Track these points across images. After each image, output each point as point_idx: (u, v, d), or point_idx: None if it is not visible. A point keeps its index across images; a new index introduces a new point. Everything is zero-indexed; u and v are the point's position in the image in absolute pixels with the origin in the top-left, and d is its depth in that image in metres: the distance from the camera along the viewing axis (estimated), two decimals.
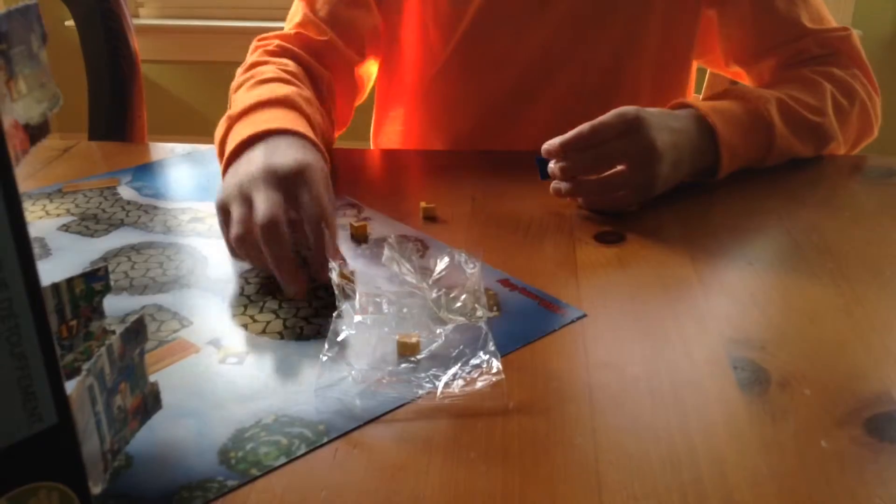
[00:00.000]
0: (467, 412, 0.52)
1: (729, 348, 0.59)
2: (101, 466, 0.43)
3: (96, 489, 0.42)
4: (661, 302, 0.64)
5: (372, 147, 1.12)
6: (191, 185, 0.87)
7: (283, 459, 0.48)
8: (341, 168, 0.90)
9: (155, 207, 0.81)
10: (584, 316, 0.62)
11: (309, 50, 0.93)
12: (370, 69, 1.03)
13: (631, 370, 0.56)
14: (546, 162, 0.80)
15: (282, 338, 0.60)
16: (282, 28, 0.97)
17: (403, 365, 0.56)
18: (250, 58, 0.93)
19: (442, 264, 0.62)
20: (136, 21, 2.19)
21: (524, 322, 0.61)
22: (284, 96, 0.78)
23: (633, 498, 0.45)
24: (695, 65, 1.04)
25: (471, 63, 0.99)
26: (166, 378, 0.55)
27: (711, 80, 1.18)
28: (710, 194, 0.83)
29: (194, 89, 2.89)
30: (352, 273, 0.62)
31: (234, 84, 0.88)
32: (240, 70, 0.91)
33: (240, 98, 0.82)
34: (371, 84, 1.05)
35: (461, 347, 0.57)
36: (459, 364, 0.55)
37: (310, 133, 0.73)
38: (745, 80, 1.02)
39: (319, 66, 0.92)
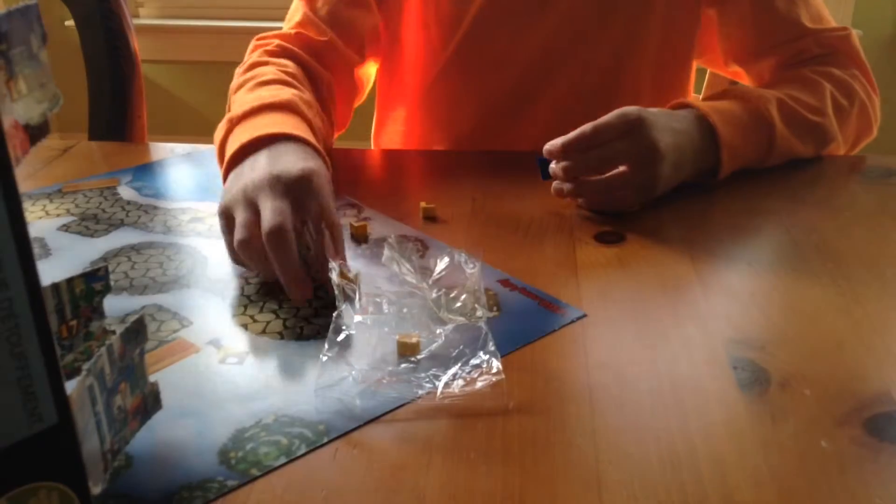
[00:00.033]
0: (467, 412, 0.52)
1: (729, 348, 0.59)
2: (101, 466, 0.43)
3: (96, 489, 0.42)
4: (661, 302, 0.64)
5: (373, 148, 1.12)
6: (191, 185, 0.87)
7: (283, 459, 0.48)
8: (341, 168, 0.90)
9: (155, 207, 0.81)
10: (584, 316, 0.62)
11: (309, 50, 0.93)
12: (369, 70, 1.03)
13: (631, 370, 0.56)
14: (547, 162, 0.80)
15: (282, 338, 0.60)
16: (281, 28, 0.97)
17: (403, 365, 0.56)
18: (250, 57, 0.92)
19: (442, 264, 0.62)
20: (136, 21, 2.19)
21: (524, 322, 0.61)
22: (286, 100, 0.78)
23: (633, 498, 0.45)
24: (694, 65, 1.04)
25: (472, 63, 0.99)
26: (166, 378, 0.55)
27: (711, 80, 1.18)
28: (710, 194, 0.83)
29: (194, 89, 2.89)
30: (356, 276, 0.62)
31: (233, 84, 0.88)
32: (239, 70, 0.91)
33: (240, 99, 0.82)
34: (370, 86, 1.04)
35: (461, 347, 0.57)
36: (459, 364, 0.55)
37: (312, 139, 0.73)
38: (745, 80, 1.02)
39: (319, 67, 0.92)
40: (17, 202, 0.33)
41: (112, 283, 0.50)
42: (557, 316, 0.62)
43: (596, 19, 0.96)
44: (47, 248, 0.73)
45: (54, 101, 0.40)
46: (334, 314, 0.58)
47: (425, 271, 0.62)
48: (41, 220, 0.78)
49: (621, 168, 0.77)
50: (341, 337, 0.57)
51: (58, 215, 0.79)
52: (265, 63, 0.89)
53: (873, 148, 0.98)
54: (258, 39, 0.96)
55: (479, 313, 0.58)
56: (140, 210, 0.81)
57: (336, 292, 0.58)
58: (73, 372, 0.45)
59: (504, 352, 0.57)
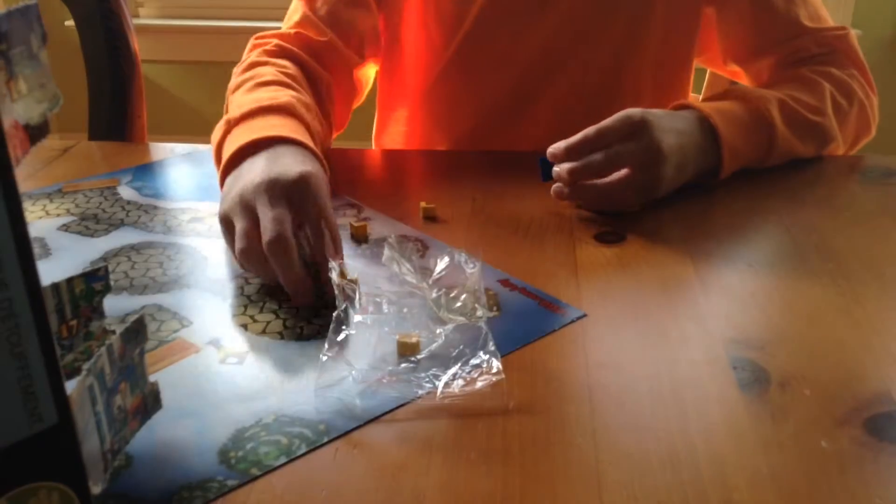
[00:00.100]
0: (467, 412, 0.52)
1: (729, 348, 0.59)
2: (101, 466, 0.43)
3: (96, 489, 0.42)
4: (661, 302, 0.64)
5: (374, 148, 1.12)
6: (191, 185, 0.87)
7: (283, 459, 0.48)
8: (341, 168, 0.90)
9: (155, 207, 0.81)
10: (584, 316, 0.62)
11: (308, 50, 0.93)
12: (368, 72, 1.03)
13: (631, 370, 0.56)
14: (547, 163, 0.80)
15: (282, 338, 0.60)
16: (280, 27, 0.97)
17: (403, 365, 0.56)
18: (248, 57, 0.92)
19: (442, 264, 0.62)
20: (136, 21, 2.19)
21: (524, 322, 0.61)
22: (284, 103, 0.78)
23: (633, 498, 0.45)
24: (694, 64, 1.04)
25: (472, 63, 0.99)
26: (166, 378, 0.55)
27: (711, 80, 1.18)
28: (710, 194, 0.83)
29: (194, 89, 2.89)
30: (355, 280, 0.63)
31: (231, 84, 0.88)
32: (237, 69, 0.90)
33: (237, 101, 0.81)
34: (369, 87, 1.04)
35: (461, 347, 0.57)
36: (459, 364, 0.55)
37: (309, 142, 0.73)
38: (743, 80, 1.02)
39: (319, 67, 0.92)
40: (17, 202, 0.33)
41: (112, 282, 0.50)
42: (557, 316, 0.62)
43: (596, 19, 0.96)
44: (47, 247, 0.73)
45: (54, 101, 0.40)
46: (334, 314, 0.58)
47: (425, 271, 0.62)
48: (41, 220, 0.78)
49: (624, 170, 0.77)
50: (341, 337, 0.57)
51: (58, 215, 0.79)
52: (264, 63, 0.88)
53: (873, 148, 0.98)
54: (257, 39, 0.95)
55: (479, 313, 0.58)
56: (140, 210, 0.81)
57: (336, 292, 0.58)
58: (74, 372, 0.45)
59: (504, 352, 0.57)
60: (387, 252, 0.62)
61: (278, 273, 0.63)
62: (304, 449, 0.49)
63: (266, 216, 0.63)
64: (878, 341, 0.60)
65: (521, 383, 0.55)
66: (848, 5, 2.55)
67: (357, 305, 0.58)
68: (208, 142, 0.83)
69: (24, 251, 0.34)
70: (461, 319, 0.58)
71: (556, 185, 0.79)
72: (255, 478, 0.47)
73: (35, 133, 0.39)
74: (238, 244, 0.64)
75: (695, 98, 1.04)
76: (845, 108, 0.91)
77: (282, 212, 0.63)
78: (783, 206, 0.81)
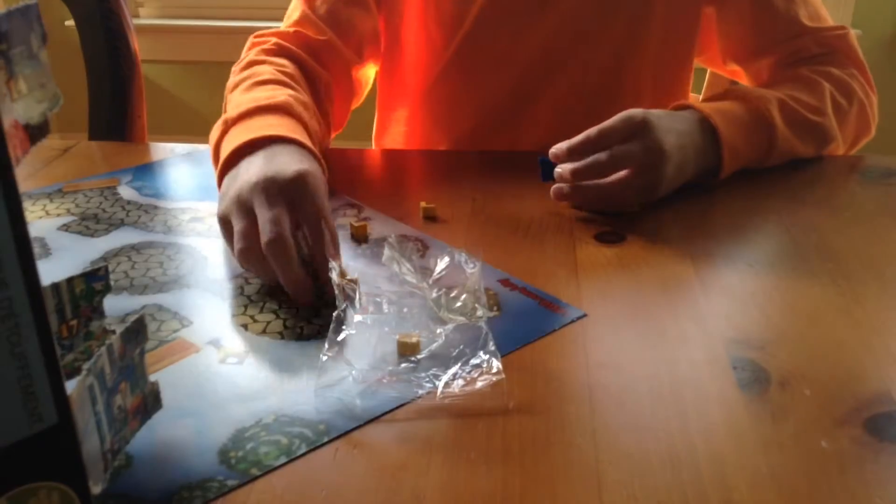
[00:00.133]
0: (467, 412, 0.52)
1: (729, 348, 0.59)
2: (101, 466, 0.43)
3: (96, 489, 0.42)
4: (661, 302, 0.64)
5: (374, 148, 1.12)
6: (191, 184, 0.87)
7: (283, 459, 0.48)
8: (341, 168, 0.90)
9: (155, 207, 0.81)
10: (585, 316, 0.62)
11: (307, 49, 0.93)
12: (368, 73, 1.03)
13: (631, 370, 0.56)
14: (547, 163, 0.80)
15: (282, 338, 0.60)
16: (280, 27, 0.97)
17: (403, 365, 0.56)
18: (247, 55, 0.92)
19: (442, 264, 0.62)
20: (136, 21, 2.19)
21: (524, 322, 0.61)
22: (282, 102, 0.77)
23: (633, 498, 0.45)
24: (694, 64, 1.04)
25: (472, 63, 0.99)
26: (166, 378, 0.55)
27: (711, 80, 1.18)
28: (710, 194, 0.83)
29: (194, 89, 2.89)
30: (355, 280, 0.63)
31: (229, 83, 0.87)
32: (236, 68, 0.90)
33: (235, 100, 0.81)
34: (368, 88, 1.04)
35: (461, 347, 0.57)
36: (459, 364, 0.55)
37: (307, 142, 0.73)
38: (743, 79, 1.02)
39: (318, 67, 0.92)
40: (18, 202, 0.33)
41: (112, 282, 0.50)
42: (557, 316, 0.62)
43: (596, 19, 0.96)
44: (47, 247, 0.73)
45: (54, 100, 0.40)
46: (334, 314, 0.58)
47: (425, 271, 0.62)
48: (41, 220, 0.78)
49: (625, 170, 0.77)
50: (341, 337, 0.57)
51: (58, 215, 0.79)
52: (262, 62, 0.88)
53: (873, 148, 0.98)
54: (256, 37, 0.95)
55: (479, 313, 0.58)
56: (140, 210, 0.81)
57: (336, 292, 0.58)
58: (74, 371, 0.45)
59: (504, 351, 0.57)
60: (387, 252, 0.62)
61: (278, 273, 0.63)
62: (304, 449, 0.49)
63: (264, 216, 0.63)
64: (878, 341, 0.60)
65: (521, 383, 0.55)
66: (848, 5, 2.55)
67: (357, 305, 0.58)
68: (208, 142, 0.82)
69: (24, 251, 0.34)
70: (461, 319, 0.58)
71: (555, 186, 0.79)
72: (255, 478, 0.47)
73: (35, 133, 0.39)
74: (237, 245, 0.64)
75: (695, 98, 1.04)
76: (845, 108, 0.91)
77: (279, 212, 0.63)
78: (783, 206, 0.81)
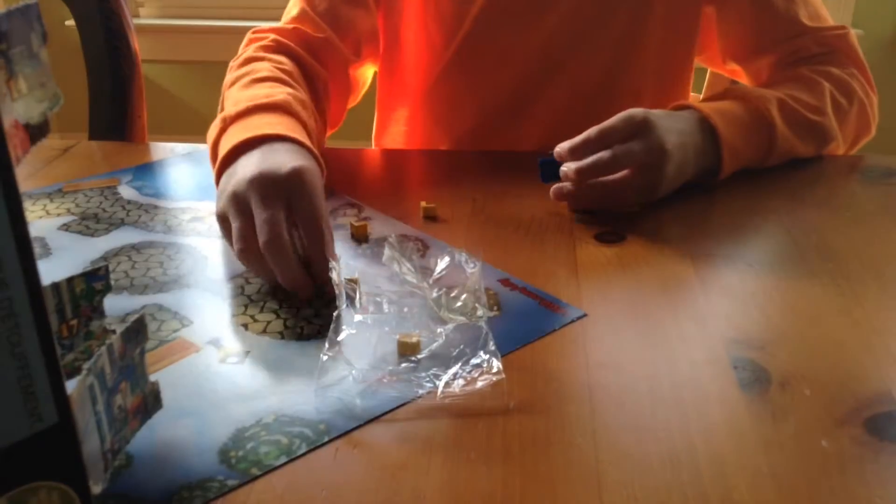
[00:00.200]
0: (468, 412, 0.52)
1: (729, 348, 0.59)
2: (101, 466, 0.43)
3: (97, 489, 0.42)
4: (661, 302, 0.64)
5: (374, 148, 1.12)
6: (191, 184, 0.87)
7: (283, 459, 0.48)
8: (342, 168, 0.90)
9: (155, 207, 0.81)
10: (585, 316, 0.62)
11: (305, 46, 0.92)
12: (366, 72, 1.03)
13: (631, 370, 0.56)
14: (548, 164, 0.80)
15: (282, 337, 0.60)
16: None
17: (404, 364, 0.56)
18: (244, 52, 0.92)
19: (442, 264, 0.62)
20: (136, 21, 2.19)
21: (524, 322, 0.61)
22: (281, 101, 0.77)
23: (633, 498, 0.45)
24: (693, 64, 1.04)
25: (473, 63, 0.99)
26: (167, 377, 0.55)
27: (711, 80, 1.18)
28: (710, 194, 0.83)
29: (194, 89, 2.89)
30: (355, 280, 0.63)
31: (227, 79, 0.87)
32: (233, 64, 0.90)
33: (234, 96, 0.81)
34: (365, 88, 1.04)
35: (461, 347, 0.57)
36: (460, 364, 0.55)
37: (306, 140, 0.73)
38: (743, 79, 1.02)
39: (315, 64, 0.92)
40: (18, 202, 0.33)
41: (112, 282, 0.50)
42: (558, 315, 0.62)
43: (596, 19, 0.96)
44: (48, 247, 0.73)
45: (54, 100, 0.40)
46: (334, 314, 0.58)
47: (426, 271, 0.62)
48: (41, 220, 0.78)
49: (626, 170, 0.77)
50: (342, 336, 0.57)
51: (58, 215, 0.79)
52: (260, 59, 0.88)
53: (873, 148, 0.98)
54: (254, 33, 0.95)
55: (479, 313, 0.58)
56: (140, 209, 0.81)
57: (336, 292, 0.58)
58: (74, 371, 0.45)
59: (504, 351, 0.57)
60: (387, 252, 0.62)
61: (276, 273, 0.63)
62: (304, 449, 0.49)
63: (260, 216, 0.63)
64: (878, 341, 0.60)
65: (521, 383, 0.55)
66: (848, 5, 2.55)
67: (357, 305, 0.58)
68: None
69: (24, 251, 0.34)
70: (461, 319, 0.58)
71: (556, 186, 0.79)
72: (256, 477, 0.47)
73: (35, 132, 0.39)
74: (236, 246, 0.65)
75: (695, 98, 1.04)
76: (845, 108, 0.91)
77: (275, 212, 0.63)
78: (783, 206, 0.81)
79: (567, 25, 0.96)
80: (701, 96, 1.12)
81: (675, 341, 0.59)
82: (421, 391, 0.54)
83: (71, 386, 0.38)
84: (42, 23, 0.39)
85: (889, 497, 0.46)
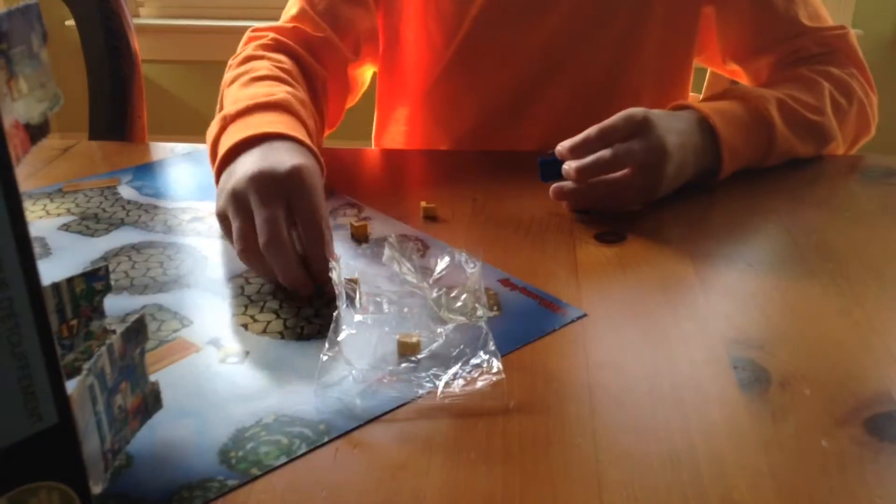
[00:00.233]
0: (468, 412, 0.52)
1: (729, 348, 0.59)
2: (101, 466, 0.43)
3: (97, 489, 0.42)
4: (661, 302, 0.64)
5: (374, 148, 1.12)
6: (191, 184, 0.87)
7: (283, 459, 0.48)
8: (342, 168, 0.90)
9: (155, 207, 0.81)
10: (585, 316, 0.62)
11: (305, 45, 0.92)
12: (364, 73, 1.03)
13: (631, 370, 0.56)
14: (548, 163, 0.80)
15: (282, 337, 0.60)
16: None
17: (404, 364, 0.56)
18: (243, 50, 0.92)
19: (442, 264, 0.62)
20: (136, 21, 2.19)
21: (524, 322, 0.61)
22: (281, 100, 0.77)
23: (633, 498, 0.45)
24: (693, 64, 1.04)
25: (473, 63, 0.99)
26: (167, 378, 0.55)
27: (711, 80, 1.18)
28: (710, 194, 0.83)
29: (194, 89, 2.89)
30: (355, 280, 0.63)
31: (226, 77, 0.87)
32: (232, 62, 0.90)
33: (233, 95, 0.81)
34: (364, 88, 1.04)
35: (461, 347, 0.57)
36: (460, 364, 0.55)
37: (306, 139, 0.73)
38: (742, 79, 1.02)
39: (314, 63, 0.92)
40: (18, 202, 0.33)
41: (112, 282, 0.50)
42: (558, 316, 0.62)
43: (596, 19, 0.96)
44: (48, 247, 0.73)
45: (55, 100, 0.40)
46: (334, 314, 0.58)
47: (426, 271, 0.62)
48: (42, 220, 0.78)
49: (626, 169, 0.77)
50: (342, 336, 0.57)
51: (58, 215, 0.79)
52: (260, 57, 0.88)
53: (873, 148, 0.98)
54: (253, 32, 0.95)
55: (479, 313, 0.58)
56: (140, 209, 0.81)
57: (336, 292, 0.58)
58: (74, 371, 0.45)
59: (504, 351, 0.57)
60: (387, 252, 0.62)
61: (277, 273, 0.63)
62: (304, 449, 0.49)
63: (260, 216, 0.63)
64: (878, 341, 0.60)
65: (521, 383, 0.55)
66: (848, 5, 2.55)
67: (357, 305, 0.58)
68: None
69: (24, 251, 0.34)
70: (461, 319, 0.58)
71: (555, 186, 0.79)
72: (256, 478, 0.47)
73: (35, 132, 0.39)
74: (237, 246, 0.65)
75: (694, 98, 1.04)
76: (845, 108, 0.91)
77: (275, 211, 0.63)
78: (783, 206, 0.81)
79: (567, 25, 0.96)
80: (701, 96, 1.12)
81: (675, 341, 0.59)
82: (421, 391, 0.54)
83: (71, 386, 0.38)
84: (42, 23, 0.39)
85: (889, 497, 0.46)
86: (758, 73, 0.98)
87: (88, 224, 0.78)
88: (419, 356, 0.57)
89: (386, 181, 0.92)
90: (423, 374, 0.55)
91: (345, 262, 0.69)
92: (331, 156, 0.82)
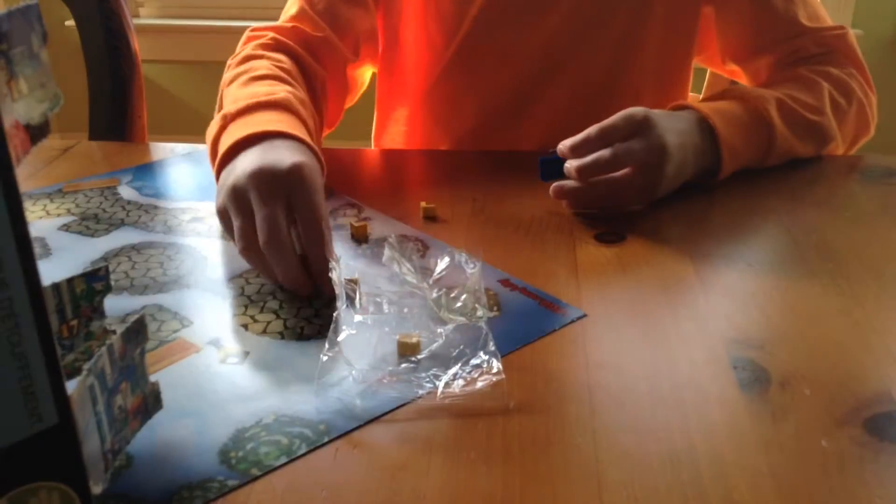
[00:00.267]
0: (468, 412, 0.52)
1: (729, 348, 0.59)
2: (101, 466, 0.43)
3: (97, 489, 0.42)
4: (661, 302, 0.64)
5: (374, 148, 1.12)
6: (191, 184, 0.87)
7: (283, 459, 0.48)
8: (342, 168, 0.90)
9: (155, 207, 0.81)
10: (584, 316, 0.62)
11: (304, 45, 0.92)
12: (364, 73, 1.03)
13: (631, 370, 0.56)
14: (548, 162, 0.80)
15: (282, 338, 0.60)
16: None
17: (404, 365, 0.56)
18: (242, 50, 0.92)
19: (442, 264, 0.62)
20: (136, 21, 2.19)
21: (524, 322, 0.61)
22: (281, 99, 0.77)
23: (633, 498, 0.45)
24: (693, 64, 1.04)
25: (473, 63, 0.99)
26: (167, 378, 0.55)
27: (712, 80, 1.18)
28: (710, 194, 0.83)
29: (194, 89, 2.89)
30: (355, 280, 0.63)
31: (225, 77, 0.87)
32: (231, 62, 0.90)
33: (233, 94, 0.81)
34: (363, 89, 1.04)
35: (461, 347, 0.57)
36: (460, 364, 0.55)
37: (307, 138, 0.73)
38: (742, 79, 1.02)
39: (314, 63, 0.92)
40: (18, 202, 0.33)
41: (112, 282, 0.50)
42: (558, 316, 0.62)
43: (596, 19, 0.96)
44: (48, 247, 0.73)
45: (55, 100, 0.40)
46: (334, 314, 0.58)
47: (426, 271, 0.62)
48: (42, 220, 0.78)
49: (627, 169, 0.77)
50: (342, 337, 0.57)
51: (58, 215, 0.79)
52: (259, 56, 0.88)
53: (873, 148, 0.98)
54: (252, 31, 0.95)
55: (479, 313, 0.58)
56: (140, 210, 0.81)
57: (336, 292, 0.58)
58: (74, 372, 0.45)
59: (504, 352, 0.57)
60: (387, 252, 0.62)
61: (276, 272, 0.63)
62: (304, 449, 0.49)
63: (260, 214, 0.63)
64: (878, 341, 0.60)
65: (521, 383, 0.55)
66: (848, 5, 2.55)
67: (357, 305, 0.58)
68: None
69: (24, 251, 0.34)
70: (461, 319, 0.58)
71: (555, 185, 0.79)
72: (256, 478, 0.47)
73: (36, 133, 0.39)
74: (238, 245, 0.65)
75: (694, 98, 1.04)
76: (844, 108, 0.91)
77: (274, 209, 0.63)
78: (783, 206, 0.81)
79: (567, 25, 0.96)
80: (701, 96, 1.12)
81: (675, 341, 0.59)
82: (421, 391, 0.54)
83: (71, 386, 0.38)
84: (42, 23, 0.39)
85: (889, 497, 0.46)
86: (757, 73, 0.98)
87: (88, 224, 0.78)
88: (419, 356, 0.57)
89: (386, 181, 0.92)
90: (423, 375, 0.55)
91: (345, 263, 0.69)
92: (330, 156, 0.82)
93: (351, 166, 0.93)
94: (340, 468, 0.48)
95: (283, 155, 0.67)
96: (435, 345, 0.57)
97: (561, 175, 0.79)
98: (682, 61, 1.01)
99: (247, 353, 0.58)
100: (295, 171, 0.65)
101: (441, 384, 0.54)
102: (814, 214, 0.79)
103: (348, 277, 0.64)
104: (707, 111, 0.82)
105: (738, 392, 0.54)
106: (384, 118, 1.09)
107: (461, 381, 0.54)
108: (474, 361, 0.55)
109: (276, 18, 0.99)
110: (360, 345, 0.57)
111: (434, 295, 0.60)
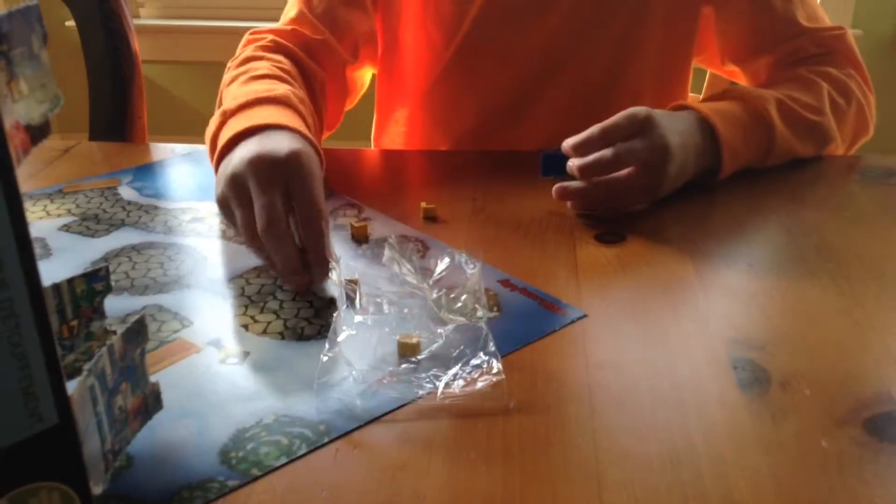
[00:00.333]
0: (468, 412, 0.52)
1: (729, 348, 0.59)
2: (101, 466, 0.43)
3: (97, 489, 0.42)
4: (661, 302, 0.65)
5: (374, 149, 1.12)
6: (191, 185, 0.87)
7: (283, 459, 0.48)
8: (341, 168, 0.90)
9: (155, 207, 0.81)
10: (585, 316, 0.62)
11: (303, 47, 0.93)
12: (363, 75, 1.03)
13: (631, 370, 0.56)
14: (550, 158, 0.80)
15: (283, 338, 0.60)
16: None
17: (404, 365, 0.56)
18: (242, 52, 0.92)
19: (442, 265, 0.62)
20: (136, 21, 2.19)
21: (524, 322, 0.61)
22: (281, 95, 0.78)
23: (633, 498, 0.45)
24: (692, 64, 1.04)
25: (473, 63, 0.99)
26: (167, 378, 0.55)
27: (711, 80, 1.18)
28: (710, 194, 0.83)
29: (194, 89, 2.89)
30: (355, 280, 0.63)
31: (225, 78, 0.87)
32: (231, 63, 0.90)
33: (233, 92, 0.81)
34: (363, 90, 1.04)
35: (461, 348, 0.57)
36: (460, 364, 0.55)
37: (306, 131, 0.73)
38: (741, 80, 1.02)
39: (313, 65, 0.92)
40: (18, 202, 0.33)
41: (113, 283, 0.50)
42: (558, 316, 0.62)
43: (596, 19, 0.96)
44: (48, 248, 0.73)
45: (55, 101, 0.41)
46: (335, 314, 0.58)
47: (426, 271, 0.62)
48: (42, 221, 0.78)
49: (628, 169, 0.77)
50: (342, 337, 0.57)
51: (59, 215, 0.79)
52: (259, 58, 0.88)
53: (873, 148, 0.98)
54: (252, 34, 0.95)
55: (479, 313, 0.58)
56: (141, 210, 0.81)
57: (337, 292, 0.58)
58: (74, 372, 0.45)
59: (504, 352, 0.57)
60: (387, 252, 0.62)
61: (274, 259, 0.63)
62: (304, 449, 0.49)
63: (258, 202, 0.63)
64: (878, 341, 0.60)
65: (521, 383, 0.55)
66: (848, 5, 2.55)
67: (357, 306, 0.58)
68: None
69: (25, 251, 0.34)
70: (461, 320, 0.58)
71: (558, 185, 0.79)
72: (256, 478, 0.47)
73: (36, 133, 0.39)
74: (242, 236, 0.66)
75: (694, 98, 1.04)
76: (843, 108, 0.91)
77: (272, 197, 0.63)
78: (783, 206, 0.81)
79: (567, 25, 0.96)
80: (701, 96, 1.12)
81: (675, 341, 0.59)
82: (421, 392, 0.54)
83: (71, 387, 0.38)
84: (42, 24, 0.39)
85: (889, 497, 0.46)
86: (757, 73, 0.98)
87: (89, 225, 0.78)
88: (419, 357, 0.57)
89: (386, 182, 0.92)
90: (424, 375, 0.55)
91: (345, 263, 0.69)
92: (331, 156, 0.82)
93: (351, 166, 0.93)
94: (340, 468, 0.48)
95: (281, 143, 0.67)
96: (435, 345, 0.57)
97: (561, 172, 0.79)
98: (681, 61, 1.01)
99: (247, 354, 0.58)
100: (293, 158, 0.65)
101: (441, 384, 0.54)
102: (814, 214, 0.79)
103: (348, 278, 0.64)
104: (707, 111, 0.82)
105: (738, 392, 0.54)
106: (384, 119, 1.09)
107: (461, 382, 0.54)
108: (474, 362, 0.55)
109: (276, 19, 0.99)
110: (360, 345, 0.57)
111: (434, 295, 0.60)
